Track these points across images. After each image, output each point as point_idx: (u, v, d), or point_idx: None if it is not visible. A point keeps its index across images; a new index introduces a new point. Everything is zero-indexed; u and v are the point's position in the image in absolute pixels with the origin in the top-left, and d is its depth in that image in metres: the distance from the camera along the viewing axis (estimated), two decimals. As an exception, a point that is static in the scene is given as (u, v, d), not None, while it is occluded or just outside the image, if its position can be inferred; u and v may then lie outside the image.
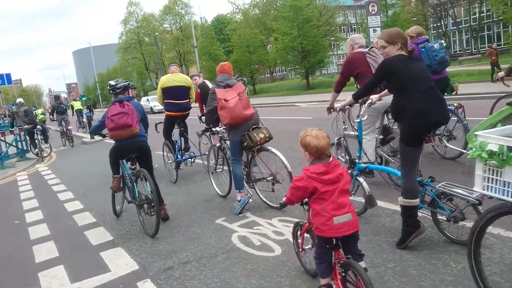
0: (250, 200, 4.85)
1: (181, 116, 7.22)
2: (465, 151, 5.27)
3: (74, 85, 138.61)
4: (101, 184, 7.48)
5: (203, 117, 6.88)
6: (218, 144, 5.53)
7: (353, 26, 65.12)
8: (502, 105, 4.48)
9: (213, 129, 5.77)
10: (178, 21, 63.10)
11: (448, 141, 5.60)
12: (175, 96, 6.97)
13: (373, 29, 18.81)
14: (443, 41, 5.76)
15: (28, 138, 12.71)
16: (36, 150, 12.43)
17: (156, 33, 56.36)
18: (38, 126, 12.21)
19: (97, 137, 15.36)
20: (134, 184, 4.73)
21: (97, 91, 71.32)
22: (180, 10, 62.52)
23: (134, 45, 64.71)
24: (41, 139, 12.48)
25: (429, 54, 5.27)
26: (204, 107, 7.19)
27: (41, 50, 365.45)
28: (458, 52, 47.41)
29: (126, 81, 5.16)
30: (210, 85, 6.99)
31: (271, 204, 4.81)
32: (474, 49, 44.26)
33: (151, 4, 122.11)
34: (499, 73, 5.51)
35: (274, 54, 36.64)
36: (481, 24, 44.65)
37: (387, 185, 4.36)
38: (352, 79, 5.13)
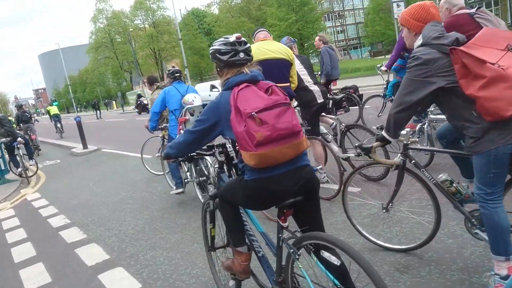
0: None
1: None
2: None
3: (42, 90, 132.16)
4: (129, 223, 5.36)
5: None
6: None
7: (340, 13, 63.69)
8: None
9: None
10: (151, 16, 60.34)
11: None
12: (271, 76, 3.88)
13: (397, 4, 16.96)
14: None
15: (6, 154, 10.04)
16: (19, 169, 9.80)
17: (131, 29, 53.33)
18: (20, 139, 9.43)
19: (91, 146, 12.85)
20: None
21: (70, 95, 67.49)
22: (151, 5, 59.94)
23: (105, 44, 61.89)
24: (23, 154, 9.83)
25: None
26: None
27: (8, 57, 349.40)
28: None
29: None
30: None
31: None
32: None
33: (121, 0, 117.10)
34: None
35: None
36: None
37: None
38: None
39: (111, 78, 65.25)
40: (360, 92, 8.96)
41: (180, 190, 5.50)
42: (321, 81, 7.65)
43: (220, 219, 2.59)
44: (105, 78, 65.73)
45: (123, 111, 40.49)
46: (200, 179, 5.05)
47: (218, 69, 2.28)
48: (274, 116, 1.96)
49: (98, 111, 35.93)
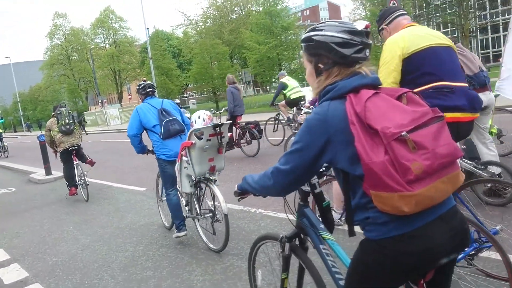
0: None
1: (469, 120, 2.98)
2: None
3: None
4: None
5: None
6: None
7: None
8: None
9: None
10: (112, 36, 58.68)
11: None
12: (443, 70, 2.82)
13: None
14: None
15: None
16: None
17: (92, 47, 51.09)
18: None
19: (55, 172, 10.32)
20: None
21: (19, 112, 62.68)
22: (113, 24, 58.66)
23: (61, 61, 58.92)
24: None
25: None
26: None
27: None
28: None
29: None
30: None
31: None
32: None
33: (81, 17, 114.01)
34: None
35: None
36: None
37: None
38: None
39: (66, 97, 61.85)
40: (261, 127, 9.63)
41: (184, 233, 4.44)
42: (227, 117, 8.41)
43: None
44: (59, 97, 62.08)
45: (86, 133, 37.37)
46: (206, 215, 4.20)
47: (321, 66, 1.58)
48: (431, 137, 1.38)
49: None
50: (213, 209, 4.15)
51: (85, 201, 7.30)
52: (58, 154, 7.57)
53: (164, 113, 4.49)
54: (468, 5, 34.12)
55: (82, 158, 7.73)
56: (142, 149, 4.77)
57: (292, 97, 9.97)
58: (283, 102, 10.23)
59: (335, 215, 3.92)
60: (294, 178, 1.65)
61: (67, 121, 7.29)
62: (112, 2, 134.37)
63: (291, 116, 10.26)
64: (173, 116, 4.52)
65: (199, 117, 4.42)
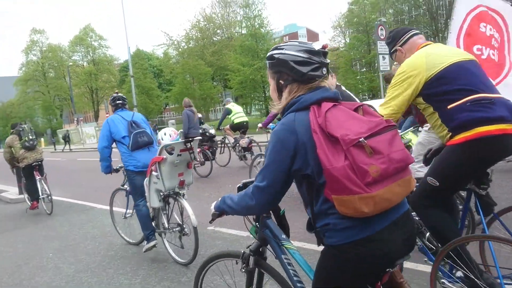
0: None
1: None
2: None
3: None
4: None
5: None
6: None
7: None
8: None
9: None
10: (91, 54, 57.68)
11: None
12: (480, 82, 2.59)
13: (382, 56, 16.56)
14: None
15: None
16: None
17: (70, 63, 50.11)
18: None
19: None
20: None
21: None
22: (93, 42, 57.92)
23: (36, 77, 57.35)
24: None
25: None
26: None
27: None
28: None
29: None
30: None
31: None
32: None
33: (59, 34, 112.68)
34: None
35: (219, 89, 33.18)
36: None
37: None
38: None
39: (40, 114, 60.12)
40: (214, 148, 10.43)
41: (154, 242, 4.47)
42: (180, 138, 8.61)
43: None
44: (33, 113, 60.26)
45: (55, 149, 36.06)
46: (174, 229, 4.29)
47: (282, 82, 1.74)
48: (386, 143, 1.53)
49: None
50: (181, 223, 4.25)
51: (64, 223, 6.57)
52: (15, 170, 8.08)
53: (133, 125, 4.63)
54: (440, 21, 35.08)
55: (42, 173, 7.86)
56: (109, 167, 4.78)
57: (236, 121, 10.58)
58: (228, 126, 10.83)
59: None
60: (274, 192, 1.69)
61: (30, 137, 7.63)
62: (94, 20, 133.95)
63: (237, 139, 10.75)
64: (143, 129, 4.66)
65: (165, 134, 4.44)
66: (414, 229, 1.69)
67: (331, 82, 3.96)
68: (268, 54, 1.79)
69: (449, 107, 2.44)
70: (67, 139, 34.15)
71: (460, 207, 2.96)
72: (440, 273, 2.52)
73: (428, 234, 2.76)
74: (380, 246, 1.53)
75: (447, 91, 2.50)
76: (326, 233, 1.59)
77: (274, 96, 1.81)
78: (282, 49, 1.72)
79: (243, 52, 30.87)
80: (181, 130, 9.78)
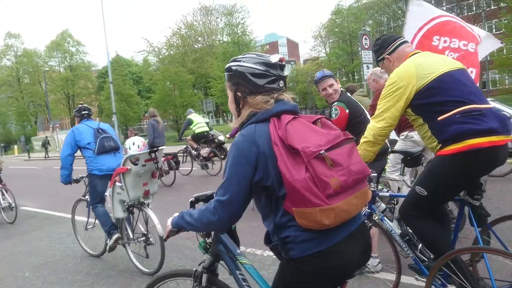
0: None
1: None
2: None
3: None
4: None
5: None
6: None
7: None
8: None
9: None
10: (68, 60, 56.53)
11: None
12: (470, 92, 2.55)
13: (367, 66, 16.70)
14: None
15: None
16: None
17: (47, 69, 48.97)
18: None
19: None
20: None
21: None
22: (70, 48, 56.79)
23: (10, 82, 55.84)
24: None
25: None
26: None
27: None
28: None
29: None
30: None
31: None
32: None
33: (36, 38, 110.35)
34: None
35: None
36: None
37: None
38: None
39: (14, 120, 58.47)
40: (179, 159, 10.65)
41: (116, 236, 4.37)
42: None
43: None
44: (6, 119, 58.56)
45: (29, 157, 34.88)
46: (139, 239, 4.26)
47: (239, 94, 1.73)
48: (345, 155, 1.57)
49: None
50: (146, 232, 4.21)
51: (42, 237, 6.12)
52: None
53: (100, 131, 4.67)
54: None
55: (1, 181, 7.75)
56: (69, 176, 4.73)
57: (197, 131, 10.86)
58: (190, 136, 11.11)
59: (373, 262, 3.56)
60: (238, 205, 1.64)
61: None
62: (72, 25, 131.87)
63: (198, 149, 11.10)
64: (109, 134, 4.69)
65: (133, 144, 4.38)
66: (370, 240, 1.73)
67: (337, 87, 3.90)
68: (226, 66, 1.79)
69: (439, 119, 2.42)
70: (46, 146, 33.17)
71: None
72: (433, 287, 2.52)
73: (420, 245, 2.73)
74: (339, 257, 1.56)
75: (437, 102, 2.47)
76: (286, 245, 1.58)
77: (231, 108, 1.80)
78: (240, 61, 1.73)
79: (226, 60, 30.78)
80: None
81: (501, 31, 30.17)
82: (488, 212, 2.58)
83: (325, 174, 1.47)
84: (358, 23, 32.72)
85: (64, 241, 5.86)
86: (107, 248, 4.46)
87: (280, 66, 1.72)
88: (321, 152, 1.49)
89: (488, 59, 26.94)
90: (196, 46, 43.24)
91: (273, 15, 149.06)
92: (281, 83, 1.72)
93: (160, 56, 40.75)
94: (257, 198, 1.71)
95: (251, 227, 5.30)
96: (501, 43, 6.05)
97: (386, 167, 4.42)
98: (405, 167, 4.37)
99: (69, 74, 53.98)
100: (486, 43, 5.53)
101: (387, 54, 2.88)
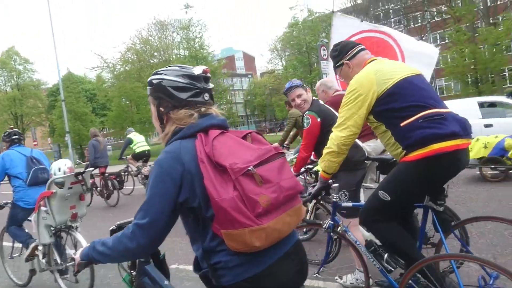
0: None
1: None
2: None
3: None
4: None
5: None
6: None
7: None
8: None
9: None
10: (15, 78, 54.33)
11: None
12: (430, 97, 2.60)
13: (325, 75, 16.99)
14: None
15: None
16: None
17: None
18: None
19: None
20: None
21: None
22: (17, 66, 54.46)
23: None
24: None
25: None
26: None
27: None
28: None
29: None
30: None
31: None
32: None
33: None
34: None
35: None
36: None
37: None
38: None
39: (-46, 141, 55.25)
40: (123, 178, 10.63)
41: (34, 244, 4.34)
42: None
43: None
44: None
45: None
46: (68, 264, 4.16)
47: (162, 109, 1.64)
48: (276, 171, 1.49)
49: None
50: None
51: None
52: None
53: (34, 160, 4.53)
54: None
55: None
56: None
57: (137, 151, 10.83)
58: (131, 155, 11.11)
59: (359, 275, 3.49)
60: (159, 230, 1.50)
61: None
62: (18, 42, 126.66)
63: (139, 167, 11.07)
64: (44, 166, 4.55)
65: (59, 169, 4.16)
66: (306, 258, 1.67)
67: (307, 96, 3.74)
68: (148, 79, 1.69)
69: (402, 124, 2.42)
70: None
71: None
72: None
73: (386, 255, 2.69)
74: (274, 280, 1.49)
75: (398, 108, 2.47)
76: (217, 272, 1.49)
77: (156, 124, 1.71)
78: (162, 74, 1.65)
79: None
80: (87, 162, 10.17)
81: (445, 41, 31.84)
82: (451, 217, 2.60)
83: (254, 192, 1.39)
84: (314, 35, 33.39)
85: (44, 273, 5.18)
86: (24, 259, 4.34)
87: (204, 78, 1.64)
88: (249, 168, 1.41)
89: (439, 67, 28.28)
90: (152, 61, 42.53)
91: (229, 30, 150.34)
92: (206, 96, 1.64)
93: (115, 72, 39.72)
94: (184, 220, 1.60)
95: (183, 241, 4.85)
96: (435, 46, 6.34)
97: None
98: (381, 174, 4.27)
99: (16, 93, 51.87)
100: (424, 54, 5.62)
101: (347, 60, 2.87)
